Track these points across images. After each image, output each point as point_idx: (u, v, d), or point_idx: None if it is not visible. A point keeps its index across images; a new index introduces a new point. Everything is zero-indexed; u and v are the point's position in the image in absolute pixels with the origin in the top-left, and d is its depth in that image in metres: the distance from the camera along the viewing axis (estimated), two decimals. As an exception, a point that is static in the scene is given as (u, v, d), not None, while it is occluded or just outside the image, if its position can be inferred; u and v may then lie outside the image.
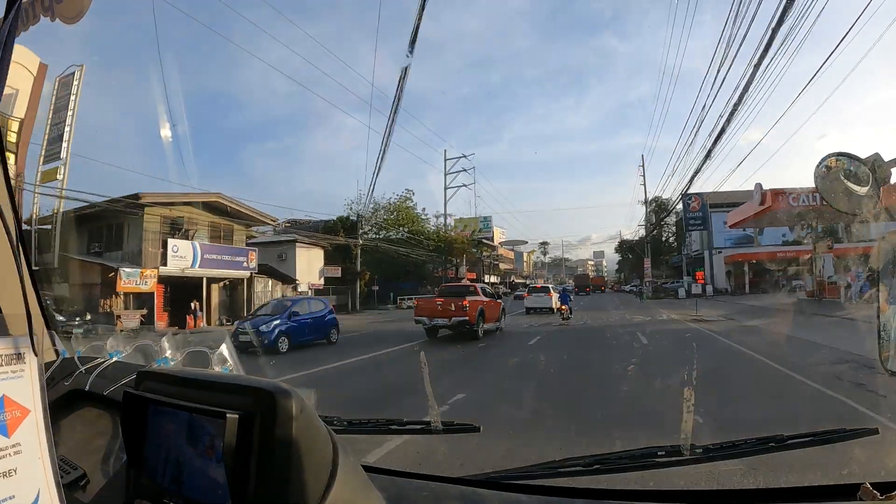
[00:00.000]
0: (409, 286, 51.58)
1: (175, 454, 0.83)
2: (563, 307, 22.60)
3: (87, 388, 1.39)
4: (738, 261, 50.70)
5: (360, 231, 45.64)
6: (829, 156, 1.62)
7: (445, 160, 65.09)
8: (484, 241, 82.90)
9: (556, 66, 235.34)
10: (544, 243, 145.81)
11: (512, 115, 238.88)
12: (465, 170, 64.69)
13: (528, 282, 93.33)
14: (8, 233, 0.79)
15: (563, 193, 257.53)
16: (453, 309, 16.27)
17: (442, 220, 63.71)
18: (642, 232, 66.15)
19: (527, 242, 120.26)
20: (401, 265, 52.04)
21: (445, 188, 64.72)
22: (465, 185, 69.36)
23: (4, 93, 0.75)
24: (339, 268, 41.18)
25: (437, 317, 16.54)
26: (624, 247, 76.89)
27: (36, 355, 0.70)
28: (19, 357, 0.68)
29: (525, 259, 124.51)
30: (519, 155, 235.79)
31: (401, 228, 56.60)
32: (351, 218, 47.96)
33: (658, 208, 61.88)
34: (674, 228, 68.15)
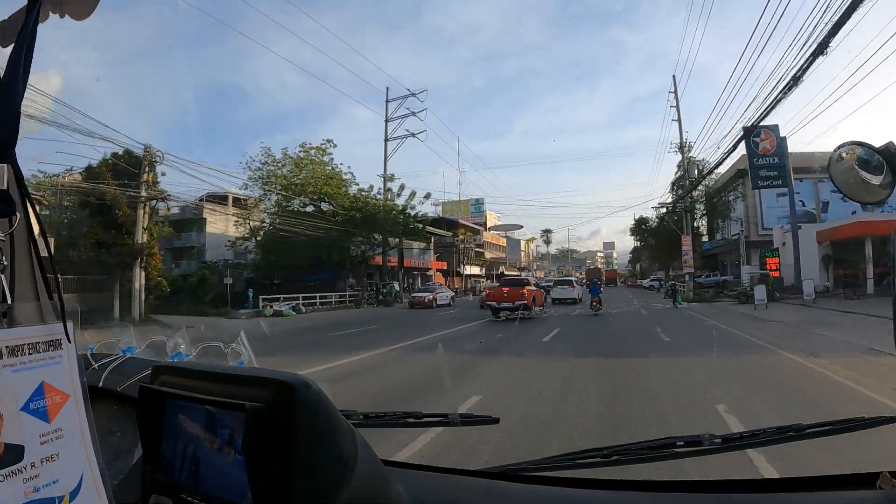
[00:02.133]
0: (326, 278, 38.62)
1: (192, 448, 0.83)
2: (595, 299, 23.77)
3: (101, 384, 1.39)
4: (847, 238, 29.32)
5: (146, 173, 25.91)
6: (842, 144, 1.61)
7: (387, 101, 46.69)
8: (465, 223, 71.45)
9: (568, 58, 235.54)
10: (547, 231, 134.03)
11: (523, 107, 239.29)
12: (413, 113, 45.55)
13: (525, 275, 77.55)
14: (27, 222, 0.79)
15: (574, 186, 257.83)
16: (516, 295, 22.25)
17: (413, 198, 44.84)
18: (661, 211, 50.49)
19: (521, 227, 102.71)
20: (312, 249, 37.19)
21: (386, 140, 45.92)
22: (412, 135, 45.76)
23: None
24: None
25: (504, 301, 22.35)
26: (642, 228, 56.71)
27: (71, 342, 0.70)
28: (56, 344, 0.69)
29: (523, 248, 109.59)
30: (530, 147, 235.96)
31: (304, 192, 39.84)
32: (137, 154, 25.75)
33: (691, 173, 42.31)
34: (702, 208, 48.12)
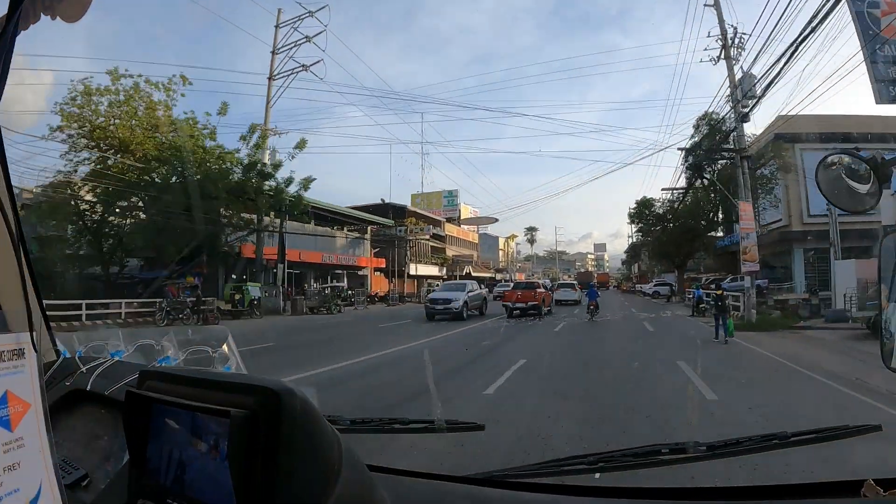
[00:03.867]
0: (157, 276, 25.65)
1: (178, 454, 0.83)
2: (592, 303, 23.62)
3: (89, 387, 1.39)
4: None
5: None
6: (829, 153, 1.63)
7: (277, 27, 33.45)
8: (420, 212, 60.16)
9: (560, 61, 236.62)
10: (531, 228, 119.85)
11: (515, 110, 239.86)
12: (307, 39, 32.79)
13: (501, 277, 71.41)
14: (8, 228, 0.79)
15: (565, 190, 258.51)
16: (528, 297, 25.84)
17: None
18: (664, 194, 41.15)
19: (496, 220, 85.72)
20: (141, 232, 26.34)
21: (271, 78, 32.65)
22: (304, 68, 32.69)
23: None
24: None
25: (518, 301, 25.63)
26: (645, 214, 43.96)
27: (36, 351, 0.71)
28: (20, 353, 0.69)
29: (502, 246, 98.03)
30: (522, 150, 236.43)
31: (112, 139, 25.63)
32: None
33: (712, 131, 29.35)
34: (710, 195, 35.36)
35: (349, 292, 37.61)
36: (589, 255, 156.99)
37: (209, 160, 27.48)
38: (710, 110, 29.58)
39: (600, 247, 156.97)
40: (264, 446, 0.73)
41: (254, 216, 29.58)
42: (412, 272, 54.99)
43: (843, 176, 1.59)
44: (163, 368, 1.13)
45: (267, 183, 29.49)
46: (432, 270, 60.45)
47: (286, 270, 32.07)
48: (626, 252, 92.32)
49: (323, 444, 0.79)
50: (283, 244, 31.49)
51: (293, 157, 31.00)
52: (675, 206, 39.91)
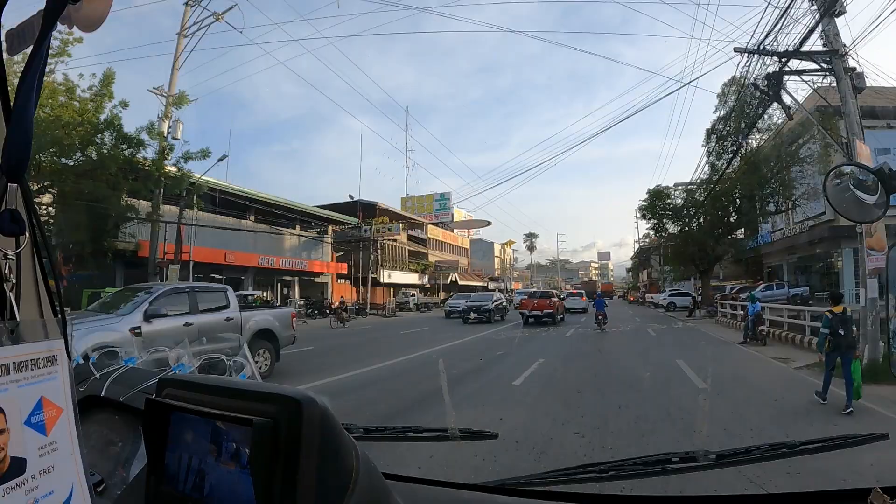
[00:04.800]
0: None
1: (197, 462, 0.84)
2: (600, 314, 23.06)
3: (103, 394, 1.40)
4: None
5: None
6: (837, 165, 1.64)
7: None
8: (394, 210, 51.32)
9: (565, 71, 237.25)
10: (531, 234, 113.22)
11: (520, 119, 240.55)
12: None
13: (495, 286, 62.81)
14: (33, 237, 0.82)
15: (570, 199, 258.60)
16: (544, 305, 27.19)
17: None
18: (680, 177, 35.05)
19: (488, 224, 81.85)
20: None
21: (180, 34, 24.14)
22: (217, 16, 23.99)
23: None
24: None
25: (535, 309, 26.91)
26: (657, 208, 35.69)
27: (69, 358, 0.74)
28: (54, 360, 0.72)
29: (498, 253, 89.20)
30: (526, 160, 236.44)
31: None
32: None
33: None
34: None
35: (269, 299, 30.00)
36: (592, 264, 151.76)
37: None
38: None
39: (604, 255, 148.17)
40: (285, 454, 0.74)
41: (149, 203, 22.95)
42: (384, 279, 46.53)
43: (852, 187, 1.60)
44: (181, 376, 1.14)
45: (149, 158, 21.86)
46: (410, 278, 52.86)
47: (190, 272, 24.91)
48: (632, 258, 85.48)
49: (341, 452, 0.81)
50: (179, 239, 24.55)
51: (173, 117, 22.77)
52: (703, 193, 32.17)
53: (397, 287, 49.76)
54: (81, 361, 1.57)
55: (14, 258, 0.76)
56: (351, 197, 45.07)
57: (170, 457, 0.89)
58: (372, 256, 43.69)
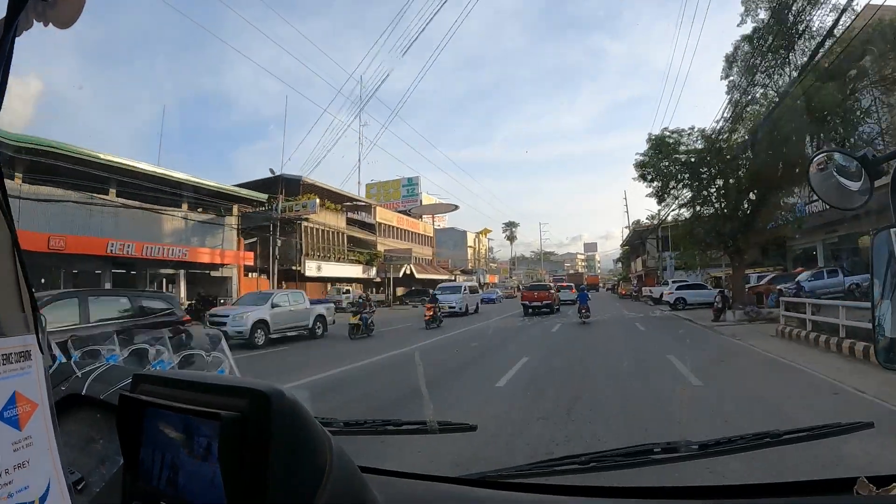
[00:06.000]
0: None
1: (171, 456, 0.84)
2: (583, 307, 22.91)
3: (84, 392, 1.39)
4: None
5: None
6: (820, 151, 1.64)
7: None
8: (323, 186, 39.80)
9: (549, 65, 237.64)
10: (511, 224, 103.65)
11: (504, 114, 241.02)
12: None
13: (465, 279, 54.00)
14: (9, 230, 0.81)
15: (555, 193, 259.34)
16: (543, 297, 29.93)
17: None
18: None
19: (456, 208, 71.79)
20: None
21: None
22: None
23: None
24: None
25: (535, 301, 29.69)
26: (670, 160, 24.16)
27: (42, 353, 0.73)
28: (27, 355, 0.72)
29: (472, 242, 78.40)
30: (511, 154, 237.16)
31: None
32: None
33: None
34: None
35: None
36: (579, 256, 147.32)
37: None
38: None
39: (591, 246, 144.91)
40: (254, 447, 0.73)
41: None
42: (311, 272, 37.51)
43: (835, 174, 1.60)
44: (156, 372, 1.14)
45: None
46: (349, 270, 43.49)
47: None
48: (622, 245, 74.05)
49: (313, 444, 0.80)
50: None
51: None
52: (734, 138, 22.66)
53: (331, 281, 41.75)
54: (63, 360, 1.56)
55: None
56: (272, 172, 36.10)
57: (145, 452, 0.88)
58: (293, 243, 35.99)
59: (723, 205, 23.90)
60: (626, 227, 61.21)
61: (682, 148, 24.32)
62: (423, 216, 65.56)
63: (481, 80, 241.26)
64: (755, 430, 1.35)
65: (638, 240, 55.10)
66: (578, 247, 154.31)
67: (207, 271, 30.77)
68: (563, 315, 28.54)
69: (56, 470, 0.73)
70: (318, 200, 36.56)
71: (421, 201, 65.05)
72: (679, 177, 24.70)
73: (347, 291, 39.63)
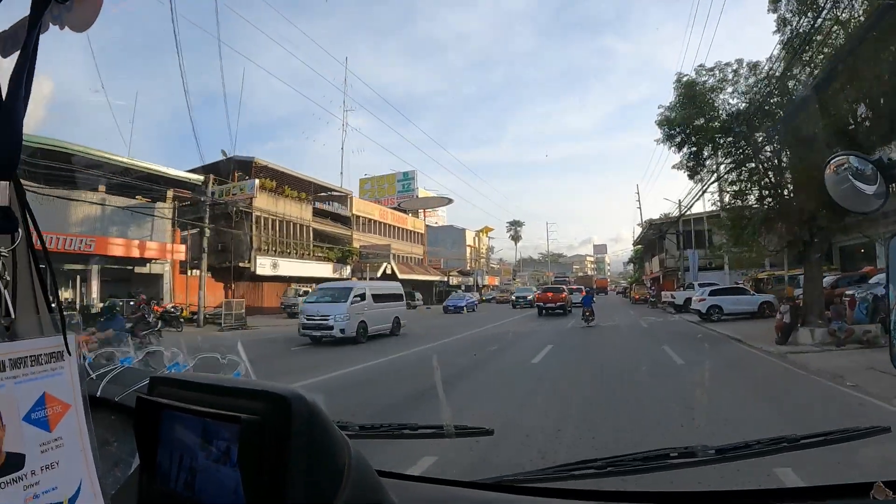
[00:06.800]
0: None
1: (188, 459, 0.84)
2: (587, 310, 22.63)
3: (99, 394, 1.40)
4: None
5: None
6: (835, 154, 1.63)
7: None
8: (275, 168, 34.28)
9: (558, 66, 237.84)
10: (515, 223, 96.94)
11: (514, 115, 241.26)
12: None
13: (459, 282, 56.70)
14: (34, 235, 0.82)
15: (564, 195, 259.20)
16: (557, 298, 31.18)
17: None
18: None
19: (450, 201, 68.13)
20: None
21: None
22: None
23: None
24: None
25: (549, 302, 31.12)
26: (692, 121, 16.93)
27: (70, 354, 0.74)
28: (59, 356, 0.72)
29: (472, 242, 69.67)
30: (520, 155, 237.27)
31: None
32: None
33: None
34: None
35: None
36: (588, 258, 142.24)
37: None
38: None
39: (600, 248, 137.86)
40: (274, 451, 0.74)
41: None
42: (263, 270, 31.92)
43: (850, 177, 1.59)
44: (173, 375, 1.14)
45: None
46: (317, 269, 37.03)
47: None
48: (635, 244, 64.33)
49: (332, 449, 0.80)
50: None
51: None
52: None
53: (300, 282, 35.66)
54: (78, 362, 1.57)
55: (8, 255, 0.76)
56: (224, 154, 30.69)
57: (162, 455, 0.89)
58: (241, 235, 30.66)
59: (791, 176, 16.56)
60: (638, 225, 54.56)
61: (726, 95, 17.38)
62: (416, 210, 61.29)
63: (490, 81, 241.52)
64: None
65: (657, 234, 44.85)
66: (588, 249, 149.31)
67: (131, 267, 25.16)
68: (574, 316, 27.68)
69: (89, 472, 0.74)
70: (256, 182, 30.49)
71: (417, 197, 61.46)
72: (719, 140, 17.78)
73: (306, 293, 30.17)
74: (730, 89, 17.45)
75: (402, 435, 1.56)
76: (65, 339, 0.74)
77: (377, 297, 20.01)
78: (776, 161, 17.22)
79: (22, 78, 0.75)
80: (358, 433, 1.48)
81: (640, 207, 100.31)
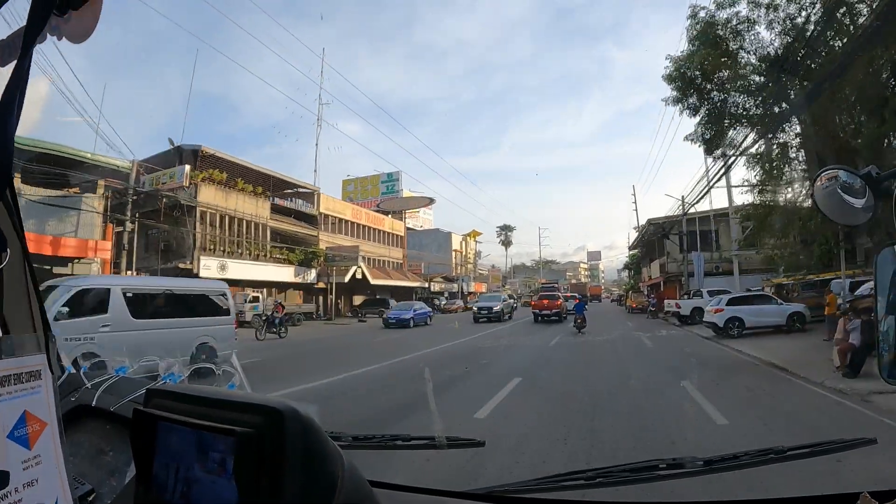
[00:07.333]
0: None
1: (184, 471, 0.85)
2: (579, 318, 22.31)
3: (94, 403, 1.40)
4: None
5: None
6: (825, 169, 1.65)
7: None
8: (224, 157, 30.53)
9: (556, 74, 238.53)
10: (506, 227, 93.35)
11: (511, 121, 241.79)
12: None
13: (442, 289, 53.81)
14: (20, 251, 0.82)
15: (558, 202, 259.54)
16: (553, 305, 31.62)
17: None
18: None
19: (432, 201, 65.95)
20: None
21: None
22: None
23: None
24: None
25: (545, 309, 31.56)
26: (713, 73, 13.19)
27: (52, 373, 0.74)
28: (37, 374, 0.72)
29: (459, 246, 66.06)
30: (516, 162, 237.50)
31: None
32: None
33: None
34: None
35: None
36: (582, 265, 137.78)
37: None
38: None
39: (594, 255, 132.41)
40: (269, 464, 0.75)
41: None
42: (210, 272, 27.46)
43: (839, 191, 1.61)
44: (169, 387, 1.15)
45: None
46: (276, 272, 33.74)
47: None
48: (631, 248, 60.13)
49: (326, 461, 0.82)
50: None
51: None
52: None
53: (254, 286, 31.56)
54: (73, 371, 1.57)
55: None
56: (171, 142, 28.85)
57: (157, 466, 0.89)
58: (183, 233, 27.61)
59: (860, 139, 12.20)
60: (634, 228, 50.48)
61: (761, 28, 12.91)
62: (400, 212, 57.20)
63: (489, 88, 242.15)
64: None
65: (659, 233, 39.11)
66: (582, 256, 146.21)
67: (48, 267, 20.64)
68: (562, 329, 24.44)
69: (63, 488, 0.74)
70: (187, 168, 27.71)
71: (401, 194, 58.96)
72: (745, 106, 13.41)
73: (255, 299, 29.11)
74: (767, 18, 12.20)
75: (394, 446, 1.57)
76: (48, 356, 0.74)
77: (147, 306, 10.84)
78: (837, 120, 12.17)
79: (16, 92, 0.74)
80: (351, 444, 1.49)
81: (636, 210, 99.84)
